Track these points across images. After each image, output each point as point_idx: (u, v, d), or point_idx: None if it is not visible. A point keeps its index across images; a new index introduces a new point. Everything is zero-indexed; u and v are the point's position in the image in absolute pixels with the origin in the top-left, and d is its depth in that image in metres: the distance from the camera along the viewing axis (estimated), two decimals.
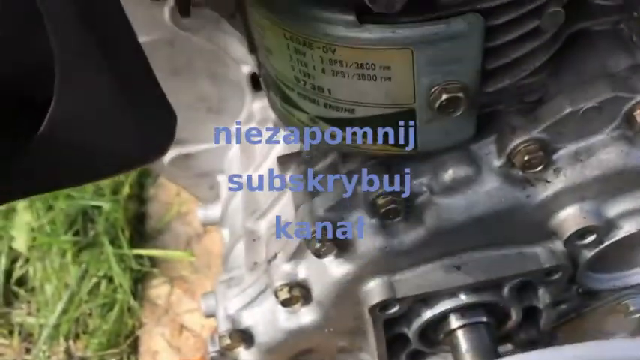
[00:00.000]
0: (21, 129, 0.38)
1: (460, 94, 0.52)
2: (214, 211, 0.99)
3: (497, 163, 0.61)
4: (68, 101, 0.34)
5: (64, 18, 0.30)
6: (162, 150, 0.39)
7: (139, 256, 1.30)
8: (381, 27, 0.48)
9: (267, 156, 0.89)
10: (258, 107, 0.93)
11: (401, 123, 0.56)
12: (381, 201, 0.61)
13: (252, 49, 0.63)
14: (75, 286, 1.29)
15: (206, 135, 0.96)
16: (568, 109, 0.57)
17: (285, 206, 0.79)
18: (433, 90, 0.52)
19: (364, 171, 0.63)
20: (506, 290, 0.68)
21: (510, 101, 0.59)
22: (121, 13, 0.33)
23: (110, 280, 1.28)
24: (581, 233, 0.63)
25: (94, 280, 1.28)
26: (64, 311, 1.28)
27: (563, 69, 0.60)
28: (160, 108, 0.37)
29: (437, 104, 0.52)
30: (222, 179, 0.99)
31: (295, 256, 0.71)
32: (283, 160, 0.74)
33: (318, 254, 0.65)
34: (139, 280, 1.29)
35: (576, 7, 0.56)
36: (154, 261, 1.32)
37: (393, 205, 0.61)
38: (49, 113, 0.34)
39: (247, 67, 0.88)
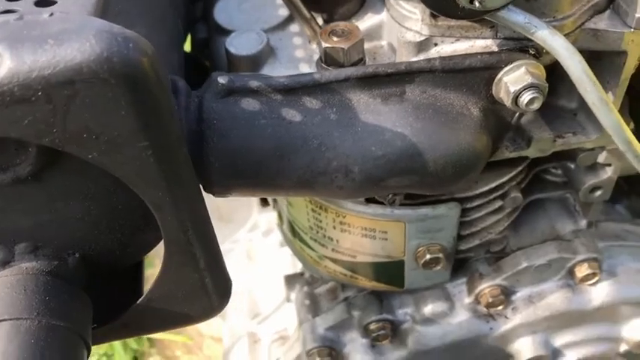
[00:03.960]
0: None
1: (440, 255, 0.67)
2: None
3: (467, 300, 0.75)
4: (164, 285, 0.47)
5: (176, 236, 0.44)
6: (222, 308, 0.52)
7: (138, 337, 1.40)
8: (383, 207, 0.63)
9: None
10: (264, 220, 1.07)
11: (392, 269, 0.71)
12: (373, 326, 0.75)
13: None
14: None
15: None
16: (524, 264, 0.72)
17: (284, 315, 0.92)
18: (419, 249, 0.67)
19: (360, 299, 0.77)
20: None
21: (479, 252, 0.74)
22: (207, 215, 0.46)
23: (109, 358, 1.38)
24: None
25: (95, 357, 1.38)
26: None
27: (521, 227, 0.76)
28: (224, 278, 0.51)
29: (422, 261, 0.67)
30: None
31: None
32: (289, 279, 0.87)
33: None
34: (137, 359, 1.40)
35: (532, 183, 0.72)
36: (151, 341, 1.42)
37: (382, 331, 0.74)
38: (148, 291, 0.48)
39: None
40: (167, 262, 0.46)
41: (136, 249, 0.51)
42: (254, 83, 0.49)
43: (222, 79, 0.49)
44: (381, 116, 0.50)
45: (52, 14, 0.35)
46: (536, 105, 0.51)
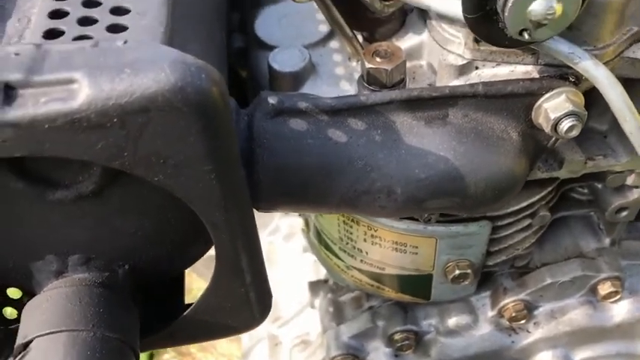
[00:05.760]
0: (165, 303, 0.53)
1: (468, 271, 0.68)
2: None
3: (490, 313, 0.77)
4: (212, 298, 0.49)
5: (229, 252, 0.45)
6: (262, 321, 0.54)
7: None
8: (415, 222, 0.65)
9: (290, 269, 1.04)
10: (285, 224, 1.08)
11: (419, 282, 0.72)
12: (397, 336, 0.76)
13: None
14: None
15: None
16: (549, 281, 0.74)
17: (306, 320, 0.94)
18: (448, 265, 0.69)
19: (385, 309, 0.79)
20: None
21: (504, 267, 0.76)
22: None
23: None
24: None
25: None
26: None
27: (545, 243, 0.77)
28: (266, 292, 0.52)
29: (450, 276, 0.68)
30: None
31: None
32: (313, 286, 0.89)
33: None
34: (152, 355, 1.41)
35: (559, 201, 0.73)
36: None
37: (407, 341, 0.76)
38: (196, 303, 0.49)
39: None
40: (216, 277, 0.48)
41: (182, 261, 0.52)
42: (302, 104, 0.51)
43: (272, 100, 0.50)
44: (424, 139, 0.51)
45: (125, 42, 0.36)
46: (575, 132, 0.53)
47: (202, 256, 0.53)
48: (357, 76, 0.60)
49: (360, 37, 0.62)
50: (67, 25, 0.39)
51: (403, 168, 0.51)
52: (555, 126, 0.52)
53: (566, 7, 0.45)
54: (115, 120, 0.35)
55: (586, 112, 0.53)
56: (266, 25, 0.67)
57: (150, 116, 0.35)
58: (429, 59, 0.60)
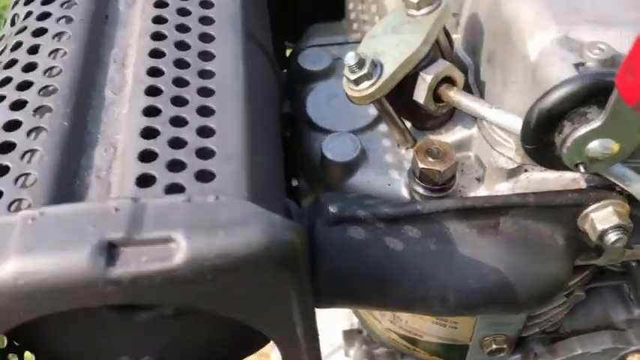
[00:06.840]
0: None
1: (505, 345, 0.71)
2: None
3: None
4: None
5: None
6: None
7: None
8: None
9: None
10: None
11: (455, 350, 0.75)
12: None
13: None
14: None
15: None
16: (579, 351, 0.76)
17: None
18: (485, 339, 0.71)
19: None
20: None
21: (535, 333, 0.78)
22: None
23: None
24: None
25: None
26: None
27: (577, 311, 0.80)
28: None
29: (487, 350, 0.71)
30: None
31: None
32: (348, 335, 0.92)
33: None
34: None
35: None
36: None
37: None
38: None
39: None
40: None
41: (243, 355, 0.55)
42: (361, 212, 0.53)
43: (332, 208, 0.53)
44: (477, 249, 0.54)
45: (217, 197, 0.39)
46: (620, 245, 0.55)
47: (262, 348, 0.56)
48: (406, 164, 0.63)
49: (407, 123, 0.65)
50: (156, 169, 0.42)
51: (457, 278, 0.53)
52: (601, 236, 0.55)
53: (624, 146, 0.47)
54: (209, 277, 0.38)
55: (632, 225, 0.55)
56: (316, 105, 0.69)
57: (241, 274, 0.38)
58: (477, 152, 0.63)
